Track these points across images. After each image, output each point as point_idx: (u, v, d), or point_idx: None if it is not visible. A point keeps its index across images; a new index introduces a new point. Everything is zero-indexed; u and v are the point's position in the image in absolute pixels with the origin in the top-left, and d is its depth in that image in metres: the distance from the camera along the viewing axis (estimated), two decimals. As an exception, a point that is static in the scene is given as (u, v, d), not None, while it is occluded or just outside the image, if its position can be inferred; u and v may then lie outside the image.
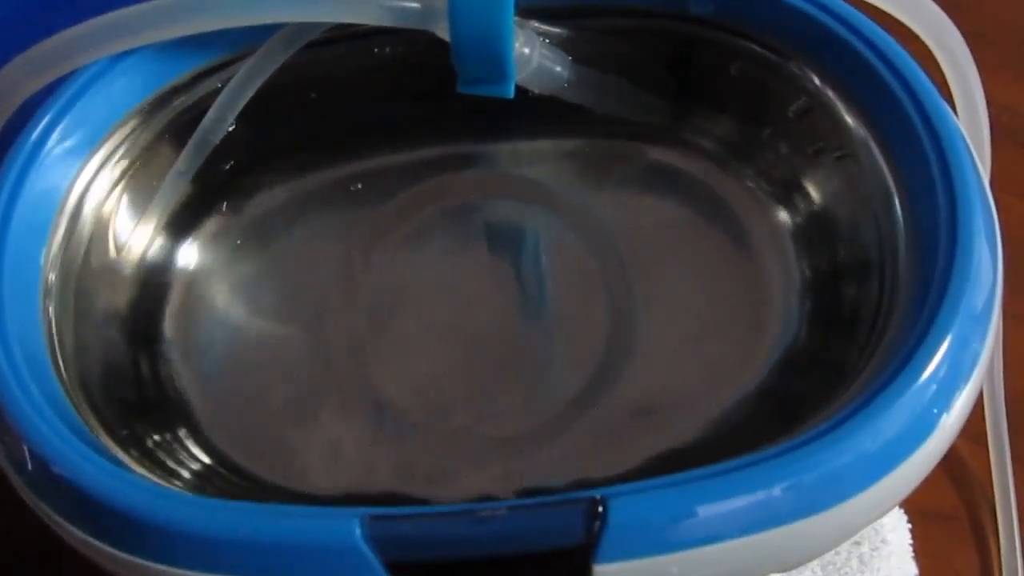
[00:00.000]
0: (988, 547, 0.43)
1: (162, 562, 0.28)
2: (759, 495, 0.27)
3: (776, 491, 0.27)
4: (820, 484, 0.27)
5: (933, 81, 0.34)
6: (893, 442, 0.28)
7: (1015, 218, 0.46)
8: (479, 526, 0.27)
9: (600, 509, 0.27)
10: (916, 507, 0.40)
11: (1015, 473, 0.43)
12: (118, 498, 0.28)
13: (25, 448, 0.30)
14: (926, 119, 0.32)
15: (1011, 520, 0.42)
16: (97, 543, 0.29)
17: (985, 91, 0.45)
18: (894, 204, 0.33)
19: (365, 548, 0.27)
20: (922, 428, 0.28)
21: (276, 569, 0.27)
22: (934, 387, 0.28)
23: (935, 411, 0.28)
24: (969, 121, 0.39)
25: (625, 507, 0.27)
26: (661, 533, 0.27)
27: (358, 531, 0.27)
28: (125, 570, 0.29)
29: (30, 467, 0.30)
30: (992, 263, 0.30)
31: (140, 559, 0.28)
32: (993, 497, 0.43)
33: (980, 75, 0.44)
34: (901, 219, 0.32)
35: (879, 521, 0.37)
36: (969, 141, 0.32)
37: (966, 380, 0.29)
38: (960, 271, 0.29)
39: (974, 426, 0.41)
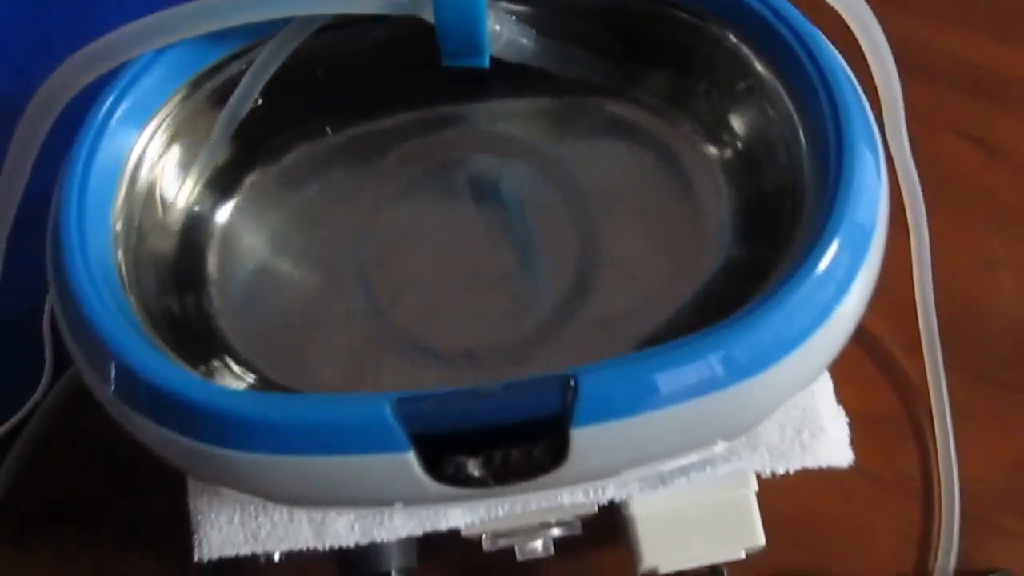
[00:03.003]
0: (927, 447, 0.47)
1: (241, 449, 0.32)
2: (699, 364, 0.31)
3: (712, 360, 0.31)
4: (746, 355, 0.31)
5: (835, 43, 0.37)
6: (799, 322, 0.32)
7: (948, 153, 0.52)
8: (481, 401, 0.31)
9: (572, 383, 0.30)
10: (861, 411, 0.42)
11: (948, 380, 0.46)
12: (199, 396, 0.31)
13: (112, 362, 0.33)
14: (817, 66, 0.35)
15: (945, 421, 0.46)
16: (179, 437, 0.32)
17: (934, 41, 0.50)
18: (799, 136, 0.36)
19: (394, 424, 0.31)
20: (821, 313, 0.32)
21: (324, 445, 0.31)
22: (828, 281, 0.32)
23: (830, 300, 0.32)
24: (877, 66, 0.41)
25: (592, 381, 0.30)
26: (623, 400, 0.31)
27: (388, 410, 0.31)
28: (198, 460, 0.33)
29: (115, 378, 0.33)
30: (876, 184, 0.34)
31: (218, 448, 0.32)
32: (929, 402, 0.46)
33: (929, 26, 0.49)
34: (804, 147, 0.36)
35: (817, 412, 0.41)
36: (857, 85, 0.35)
37: (854, 275, 0.32)
38: (844, 189, 0.32)
39: (911, 339, 0.47)
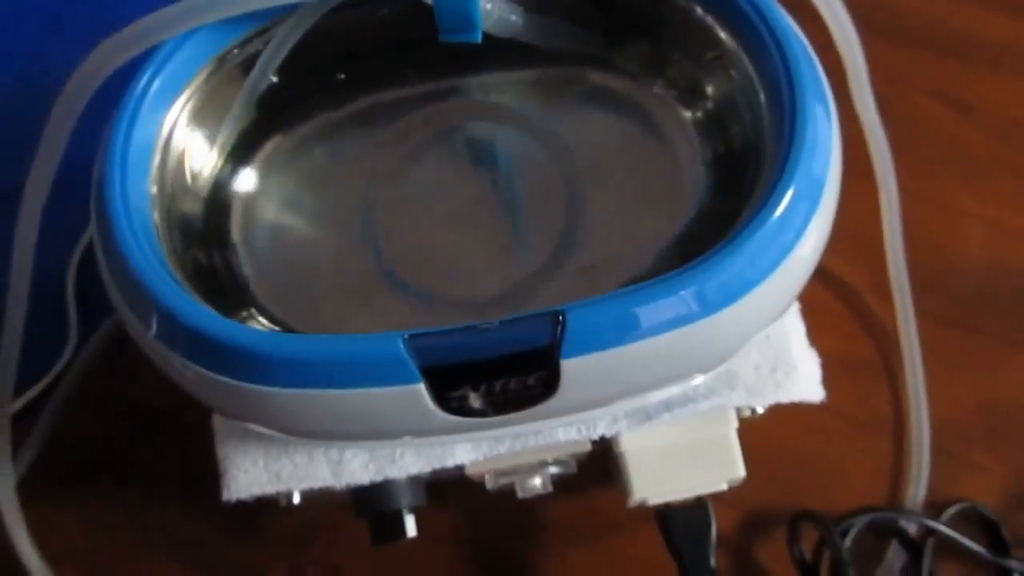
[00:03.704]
0: (899, 388, 0.49)
1: (270, 384, 0.34)
2: (673, 299, 0.33)
3: (685, 296, 0.33)
4: (715, 291, 0.34)
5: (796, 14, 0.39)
6: (760, 263, 0.34)
7: (921, 111, 0.54)
8: (481, 335, 0.33)
9: (561, 318, 0.33)
10: (837, 357, 0.44)
11: (917, 325, 0.49)
12: (232, 337, 0.34)
13: (154, 308, 0.35)
14: (771, 32, 0.37)
15: (916, 363, 0.48)
16: (214, 375, 0.35)
17: (908, 5, 0.53)
18: (759, 97, 0.38)
19: (406, 358, 0.33)
20: (779, 254, 0.35)
21: (345, 379, 0.34)
22: (784, 226, 0.35)
23: (788, 243, 0.35)
24: (837, 29, 0.43)
25: (579, 316, 0.33)
26: (607, 332, 0.33)
27: (401, 346, 0.33)
28: (230, 397, 0.35)
29: (157, 323, 0.35)
30: (828, 138, 0.36)
31: (249, 384, 0.34)
32: (901, 346, 0.49)
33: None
34: (764, 107, 0.38)
35: (790, 353, 0.42)
36: (809, 48, 0.38)
37: (809, 220, 0.35)
38: (798, 143, 0.35)
39: (884, 288, 0.49)
